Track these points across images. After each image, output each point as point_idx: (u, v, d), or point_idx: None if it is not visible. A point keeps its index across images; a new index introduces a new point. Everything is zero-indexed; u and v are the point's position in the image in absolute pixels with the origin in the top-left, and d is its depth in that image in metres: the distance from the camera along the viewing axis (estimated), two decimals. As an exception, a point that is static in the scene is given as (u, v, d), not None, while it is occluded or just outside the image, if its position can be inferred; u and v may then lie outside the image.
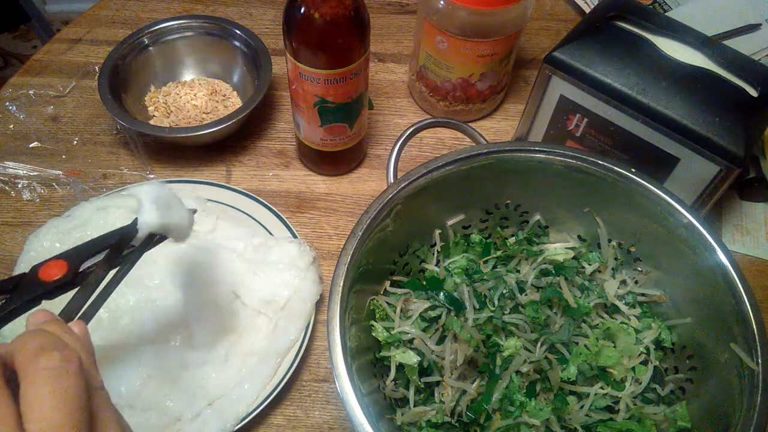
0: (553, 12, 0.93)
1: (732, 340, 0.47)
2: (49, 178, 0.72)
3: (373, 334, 0.53)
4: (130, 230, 0.44)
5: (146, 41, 0.77)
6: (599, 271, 0.59)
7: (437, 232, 0.60)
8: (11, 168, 0.73)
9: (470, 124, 0.62)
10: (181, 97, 0.77)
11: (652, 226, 0.54)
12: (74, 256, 0.42)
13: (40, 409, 0.26)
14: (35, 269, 0.41)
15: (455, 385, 0.52)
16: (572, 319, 0.54)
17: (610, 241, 0.58)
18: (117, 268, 0.44)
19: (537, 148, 0.55)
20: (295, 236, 0.65)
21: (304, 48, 0.57)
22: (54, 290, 0.40)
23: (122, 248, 0.44)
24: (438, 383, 0.53)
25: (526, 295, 0.55)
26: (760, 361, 0.45)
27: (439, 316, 0.54)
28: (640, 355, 0.54)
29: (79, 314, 0.40)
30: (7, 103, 0.78)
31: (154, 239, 0.46)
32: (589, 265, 0.59)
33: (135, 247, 0.45)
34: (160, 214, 0.45)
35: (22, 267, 0.60)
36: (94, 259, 0.43)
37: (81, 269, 0.42)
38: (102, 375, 0.32)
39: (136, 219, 0.45)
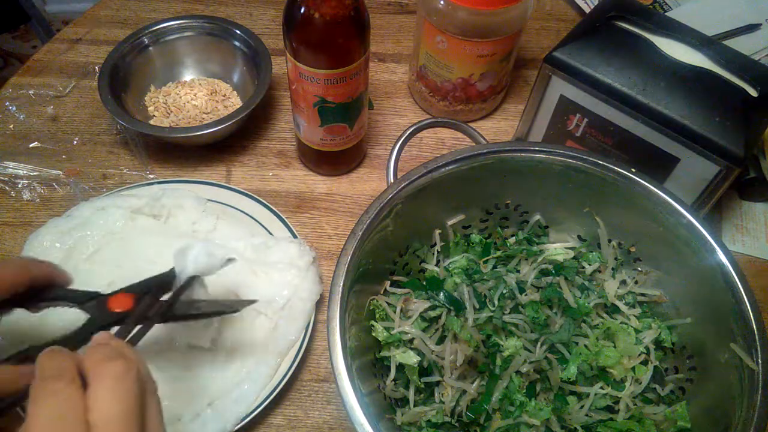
0: (553, 12, 0.93)
1: (732, 340, 0.47)
2: (49, 178, 0.72)
3: (373, 334, 0.53)
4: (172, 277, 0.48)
5: (146, 41, 0.77)
6: (599, 271, 0.59)
7: (437, 232, 0.60)
8: (11, 168, 0.73)
9: (470, 124, 0.62)
10: (181, 97, 0.78)
11: (652, 226, 0.54)
12: (141, 291, 0.46)
13: (102, 403, 0.32)
14: (104, 298, 0.45)
15: (455, 385, 0.52)
16: (572, 319, 0.54)
17: (610, 241, 0.58)
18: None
19: (537, 148, 0.55)
20: (295, 236, 0.65)
21: (304, 48, 0.57)
22: (119, 321, 0.44)
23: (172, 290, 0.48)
24: (438, 383, 0.53)
25: (526, 295, 0.55)
26: (760, 361, 0.45)
27: (439, 316, 0.54)
28: (640, 355, 0.54)
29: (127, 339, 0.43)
30: (7, 103, 0.78)
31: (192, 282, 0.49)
32: (589, 265, 0.59)
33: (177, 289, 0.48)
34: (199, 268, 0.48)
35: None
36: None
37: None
38: None
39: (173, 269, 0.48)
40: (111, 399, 0.32)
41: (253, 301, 0.51)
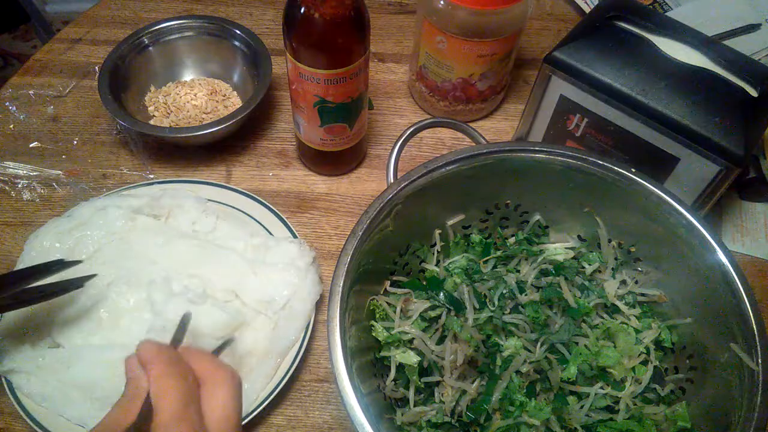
0: (553, 12, 0.93)
1: (732, 340, 0.47)
2: (49, 178, 0.72)
3: (373, 334, 0.53)
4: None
5: (146, 41, 0.77)
6: (599, 271, 0.59)
7: (437, 232, 0.60)
8: (11, 168, 0.73)
9: (470, 124, 0.62)
10: (181, 97, 0.77)
11: (652, 226, 0.54)
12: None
13: (223, 405, 0.36)
14: None
15: (455, 385, 0.52)
16: (572, 319, 0.54)
17: (610, 241, 0.58)
18: None
19: (537, 148, 0.55)
20: (295, 236, 0.65)
21: (304, 48, 0.57)
22: None
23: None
24: (438, 383, 0.53)
25: (526, 295, 0.55)
26: (760, 361, 0.45)
27: (439, 316, 0.54)
28: (640, 355, 0.54)
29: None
30: (7, 103, 0.78)
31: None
32: (589, 265, 0.59)
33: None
34: None
35: (22, 267, 0.60)
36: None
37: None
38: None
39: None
40: (231, 402, 0.36)
41: (92, 276, 0.57)
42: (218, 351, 0.47)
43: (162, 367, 0.36)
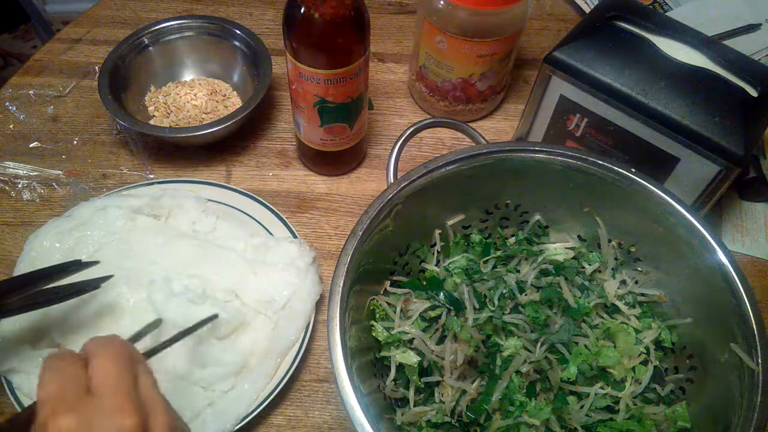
0: (553, 12, 0.93)
1: (732, 340, 0.47)
2: (49, 178, 0.72)
3: (373, 334, 0.53)
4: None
5: (146, 41, 0.77)
6: (599, 271, 0.59)
7: (437, 232, 0.60)
8: (11, 168, 0.73)
9: (470, 124, 0.62)
10: (181, 97, 0.77)
11: (652, 226, 0.54)
12: None
13: (99, 370, 0.36)
14: None
15: (455, 385, 0.52)
16: (572, 319, 0.54)
17: (610, 241, 0.58)
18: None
19: (537, 148, 0.55)
20: (295, 236, 0.65)
21: (304, 48, 0.57)
22: None
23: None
24: (438, 383, 0.53)
25: (526, 295, 0.55)
26: (760, 361, 0.45)
27: (439, 316, 0.54)
28: (640, 355, 0.54)
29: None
30: (7, 103, 0.78)
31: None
32: (589, 265, 0.59)
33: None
34: None
35: (22, 267, 0.60)
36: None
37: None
38: None
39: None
40: (106, 366, 0.36)
41: (109, 277, 0.55)
42: (199, 325, 0.52)
43: (44, 364, 0.37)
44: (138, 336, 0.48)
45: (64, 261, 0.54)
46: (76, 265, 0.54)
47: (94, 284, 0.55)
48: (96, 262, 0.55)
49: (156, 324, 0.51)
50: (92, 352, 0.37)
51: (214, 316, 0.55)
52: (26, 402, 0.54)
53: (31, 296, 0.52)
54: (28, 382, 0.54)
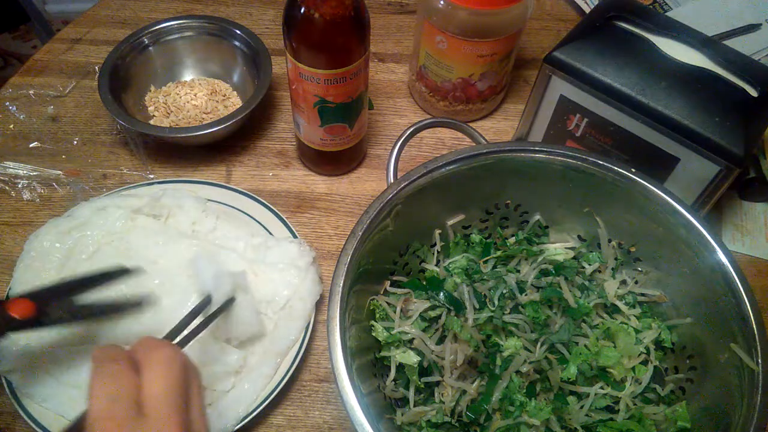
0: (553, 12, 0.93)
1: (732, 340, 0.47)
2: (49, 178, 0.72)
3: (373, 334, 0.53)
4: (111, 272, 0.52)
5: (146, 41, 0.77)
6: (599, 271, 0.59)
7: (437, 232, 0.60)
8: (11, 168, 0.73)
9: (470, 124, 0.62)
10: (181, 97, 0.78)
11: (652, 226, 0.54)
12: (43, 296, 0.48)
13: (151, 383, 0.36)
14: (2, 304, 0.46)
15: (455, 385, 0.52)
16: (572, 319, 0.54)
17: (610, 241, 0.58)
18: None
19: (537, 148, 0.55)
20: (295, 236, 0.65)
21: (304, 48, 0.57)
22: (23, 325, 0.46)
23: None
24: (438, 383, 0.53)
25: (526, 295, 0.55)
26: (760, 361, 0.45)
27: (439, 316, 0.54)
28: (640, 355, 0.54)
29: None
30: (7, 103, 0.78)
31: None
32: (589, 265, 0.59)
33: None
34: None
35: (22, 267, 0.60)
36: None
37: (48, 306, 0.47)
38: None
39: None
40: (158, 378, 0.36)
41: (152, 298, 0.53)
42: (219, 311, 0.51)
43: (94, 369, 0.36)
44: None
45: (115, 267, 0.52)
46: (123, 273, 0.52)
47: (136, 304, 0.52)
48: (140, 269, 0.54)
49: (206, 301, 0.51)
50: (146, 360, 0.37)
51: (232, 300, 0.54)
52: (26, 402, 0.54)
53: (75, 309, 0.49)
54: (28, 383, 0.54)
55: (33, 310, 0.46)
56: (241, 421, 0.54)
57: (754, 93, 0.57)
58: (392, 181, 0.57)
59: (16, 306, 0.45)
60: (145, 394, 0.35)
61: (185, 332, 0.48)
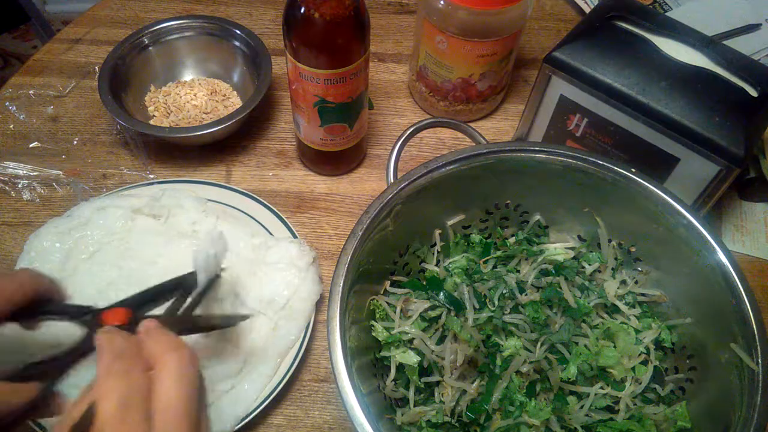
0: (553, 12, 0.93)
1: (732, 340, 0.47)
2: (49, 178, 0.72)
3: (373, 334, 0.53)
4: (188, 280, 0.50)
5: (146, 41, 0.77)
6: (599, 271, 0.59)
7: (437, 232, 0.60)
8: (11, 168, 0.73)
9: (470, 124, 0.62)
10: (181, 97, 0.78)
11: (652, 226, 0.54)
12: (136, 304, 0.46)
13: (167, 391, 0.34)
14: (99, 313, 0.45)
15: (455, 385, 0.52)
16: (572, 319, 0.54)
17: (610, 241, 0.58)
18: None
19: (537, 148, 0.55)
20: (295, 236, 0.65)
21: (304, 48, 0.57)
22: None
23: (185, 297, 0.49)
24: (438, 383, 0.53)
25: (526, 295, 0.55)
26: (760, 361, 0.45)
27: (439, 316, 0.54)
28: (640, 355, 0.54)
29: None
30: (7, 103, 0.78)
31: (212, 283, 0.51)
32: (589, 265, 0.59)
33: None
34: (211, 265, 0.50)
35: (22, 267, 0.60)
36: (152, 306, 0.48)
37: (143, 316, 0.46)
38: None
39: (194, 272, 0.50)
40: (175, 387, 0.34)
41: (246, 316, 0.52)
42: (204, 291, 0.49)
43: (106, 363, 0.35)
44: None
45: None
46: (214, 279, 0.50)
47: (231, 322, 0.52)
48: (218, 276, 0.52)
49: (191, 278, 0.49)
50: (162, 362, 0.35)
51: (217, 277, 0.51)
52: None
53: (176, 319, 0.47)
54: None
55: (128, 318, 0.45)
56: (240, 422, 0.54)
57: (754, 93, 0.57)
58: (392, 181, 0.57)
59: (112, 315, 0.45)
60: (159, 401, 0.34)
61: (179, 312, 0.47)
